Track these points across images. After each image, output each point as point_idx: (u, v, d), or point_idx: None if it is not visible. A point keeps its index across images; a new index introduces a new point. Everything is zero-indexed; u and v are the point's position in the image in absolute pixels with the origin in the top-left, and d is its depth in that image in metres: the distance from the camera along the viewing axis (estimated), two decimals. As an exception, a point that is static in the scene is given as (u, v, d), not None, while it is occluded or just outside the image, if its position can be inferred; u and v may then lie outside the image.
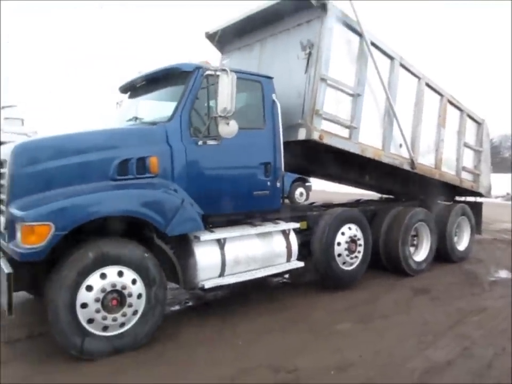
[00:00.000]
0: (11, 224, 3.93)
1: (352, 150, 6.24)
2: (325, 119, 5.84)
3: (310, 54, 5.75)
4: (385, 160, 6.74)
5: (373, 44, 6.35)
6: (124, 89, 6.15)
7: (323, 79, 5.74)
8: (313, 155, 6.34)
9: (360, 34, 6.22)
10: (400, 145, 6.97)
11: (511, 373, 3.65)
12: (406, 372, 3.75)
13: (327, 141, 5.84)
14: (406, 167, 7.07)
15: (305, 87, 5.75)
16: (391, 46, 6.74)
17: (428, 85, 7.42)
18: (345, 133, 6.18)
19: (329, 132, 5.91)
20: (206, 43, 7.30)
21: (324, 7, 5.70)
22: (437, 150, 7.72)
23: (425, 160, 7.50)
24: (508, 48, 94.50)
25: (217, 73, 4.59)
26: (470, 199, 9.05)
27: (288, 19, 6.13)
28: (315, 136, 5.66)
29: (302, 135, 5.66)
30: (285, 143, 5.53)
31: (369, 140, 6.50)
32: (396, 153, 6.94)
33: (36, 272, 4.01)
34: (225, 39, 7.01)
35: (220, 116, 4.50)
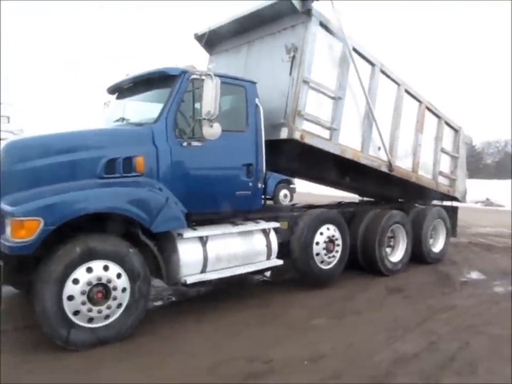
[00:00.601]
0: (0, 219, 4.09)
1: (332, 151, 6.48)
2: (307, 119, 6.06)
3: (294, 57, 5.95)
4: (363, 161, 6.99)
5: (354, 50, 6.60)
6: (111, 90, 6.31)
7: (306, 82, 5.96)
8: (296, 155, 6.52)
9: (342, 40, 6.47)
10: (379, 148, 7.23)
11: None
12: (374, 363, 4.00)
13: (308, 140, 6.06)
14: (384, 169, 7.33)
15: (289, 88, 5.97)
16: (373, 53, 7.01)
17: (407, 91, 7.70)
18: (325, 134, 6.41)
19: (311, 132, 6.13)
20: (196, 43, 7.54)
21: (308, 13, 5.92)
22: (414, 154, 8.00)
23: (403, 163, 7.77)
24: (493, 57, 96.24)
25: (202, 77, 4.80)
26: (447, 203, 9.37)
27: (274, 23, 6.35)
28: (296, 135, 5.88)
29: (284, 134, 5.87)
30: (269, 143, 5.75)
31: (349, 142, 6.74)
32: (375, 156, 7.20)
33: (22, 267, 4.16)
34: (214, 40, 7.25)
35: (204, 119, 4.71)
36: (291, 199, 17.64)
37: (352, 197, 10.11)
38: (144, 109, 5.79)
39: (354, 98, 6.81)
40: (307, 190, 23.16)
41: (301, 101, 5.93)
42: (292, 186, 18.03)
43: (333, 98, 6.48)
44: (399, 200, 8.78)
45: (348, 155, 6.72)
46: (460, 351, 4.30)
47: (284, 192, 17.49)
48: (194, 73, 4.98)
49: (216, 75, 4.80)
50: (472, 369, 3.92)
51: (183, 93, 5.01)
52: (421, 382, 3.68)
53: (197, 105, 4.92)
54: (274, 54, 6.28)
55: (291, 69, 5.98)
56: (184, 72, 5.05)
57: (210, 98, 4.66)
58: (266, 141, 5.71)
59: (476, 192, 18.80)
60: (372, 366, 3.94)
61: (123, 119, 5.52)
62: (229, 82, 5.36)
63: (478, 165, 50.35)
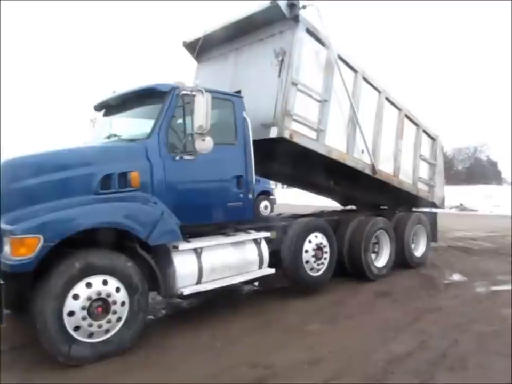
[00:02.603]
0: (-1, 237, 4.12)
1: (319, 151, 6.70)
2: (295, 120, 6.28)
3: (282, 60, 6.17)
4: (349, 163, 7.23)
5: (339, 57, 6.90)
6: (98, 108, 6.36)
7: (294, 83, 6.20)
8: (283, 159, 6.75)
9: (327, 47, 6.76)
10: (362, 151, 7.48)
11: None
12: (371, 363, 4.15)
13: (297, 140, 6.27)
14: (368, 171, 7.57)
15: (278, 90, 6.17)
16: (356, 59, 7.36)
17: (387, 99, 8.03)
18: (313, 135, 6.64)
19: (299, 132, 6.34)
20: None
21: (296, 19, 6.19)
22: (396, 159, 8.30)
23: (385, 167, 8.03)
24: (461, 65, 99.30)
25: (193, 93, 4.94)
26: (426, 210, 9.66)
27: (262, 30, 6.59)
28: (286, 134, 6.07)
29: (274, 133, 6.05)
30: (257, 149, 5.90)
31: (335, 143, 6.98)
32: (359, 158, 7.45)
33: (15, 287, 4.12)
34: (202, 48, 7.36)
35: (197, 133, 4.83)
36: (271, 210, 17.82)
37: (333, 206, 10.36)
38: (134, 125, 5.88)
39: (339, 103, 7.07)
40: (285, 201, 23.54)
41: (289, 102, 6.14)
42: (272, 197, 18.26)
43: (319, 101, 6.74)
44: (381, 207, 9.03)
45: (334, 156, 6.95)
46: (450, 348, 4.49)
47: (264, 203, 17.68)
48: (185, 89, 5.10)
49: (206, 90, 4.94)
50: (463, 365, 4.11)
51: (174, 109, 5.12)
52: (417, 378, 3.83)
53: (188, 120, 5.05)
54: (262, 58, 6.50)
55: (280, 71, 6.19)
56: (174, 88, 5.17)
57: (202, 113, 4.80)
58: (254, 143, 5.87)
59: (450, 197, 19.37)
60: (369, 366, 4.09)
61: (114, 135, 5.59)
62: (216, 97, 5.48)
63: (450, 172, 51.58)
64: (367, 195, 8.51)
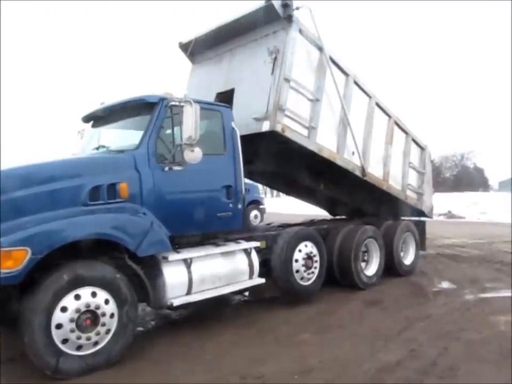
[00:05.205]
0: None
1: (310, 148, 6.75)
2: (287, 116, 6.35)
3: (275, 58, 6.27)
4: (339, 162, 7.27)
5: (330, 59, 7.00)
6: (86, 119, 6.35)
7: (287, 80, 6.28)
8: (272, 158, 6.80)
9: (319, 48, 6.88)
10: (353, 153, 7.54)
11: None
12: (361, 372, 4.15)
13: (288, 134, 6.33)
14: (358, 173, 7.62)
15: (271, 86, 6.24)
16: (347, 63, 7.45)
17: (377, 104, 8.12)
18: (304, 132, 6.71)
19: (291, 127, 6.41)
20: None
21: (289, 19, 6.31)
22: (385, 164, 8.37)
23: (375, 171, 8.07)
24: (447, 72, 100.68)
25: (182, 104, 4.97)
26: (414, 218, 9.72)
27: (256, 31, 6.69)
28: (278, 128, 6.13)
29: (266, 127, 6.11)
30: (249, 142, 5.94)
31: (325, 142, 7.04)
32: (349, 159, 7.51)
33: (2, 299, 4.10)
34: (197, 49, 7.47)
35: (185, 144, 4.84)
36: (262, 220, 17.80)
37: (323, 215, 10.40)
38: (122, 136, 5.87)
39: (330, 103, 7.16)
40: (275, 211, 23.56)
41: (282, 97, 6.22)
42: (261, 207, 18.23)
43: (311, 100, 6.81)
44: (370, 215, 9.07)
45: (325, 154, 7.00)
46: (439, 357, 4.50)
47: (254, 213, 17.63)
48: (173, 100, 5.12)
49: (195, 101, 4.96)
50: (453, 373, 4.13)
51: (163, 120, 5.14)
52: (407, 388, 3.86)
53: (177, 130, 5.06)
54: (256, 58, 6.59)
55: (273, 69, 6.27)
56: (163, 99, 5.18)
57: (191, 123, 4.81)
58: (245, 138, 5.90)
59: (438, 205, 19.55)
60: (360, 375, 4.09)
61: (103, 146, 5.58)
62: (205, 108, 5.48)
63: (437, 179, 52.03)
64: (356, 200, 8.54)
